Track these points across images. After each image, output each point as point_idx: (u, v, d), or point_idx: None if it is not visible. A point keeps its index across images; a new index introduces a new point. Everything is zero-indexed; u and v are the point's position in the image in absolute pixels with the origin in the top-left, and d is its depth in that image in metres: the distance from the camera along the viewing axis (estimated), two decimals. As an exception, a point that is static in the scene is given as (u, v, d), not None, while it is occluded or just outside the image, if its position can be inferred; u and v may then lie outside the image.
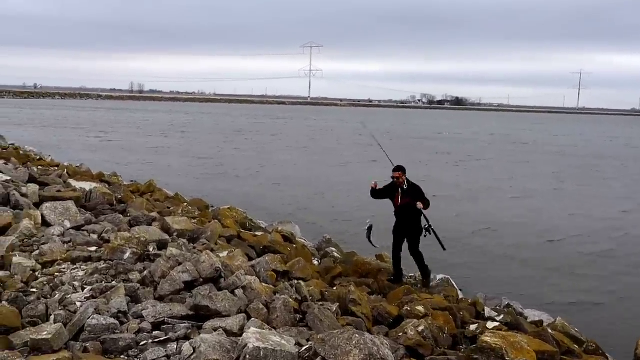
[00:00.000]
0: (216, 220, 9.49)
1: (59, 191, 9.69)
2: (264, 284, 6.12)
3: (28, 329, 4.68)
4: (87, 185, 11.08)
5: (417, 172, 22.55)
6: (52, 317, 4.86)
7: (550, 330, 6.60)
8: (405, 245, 8.57)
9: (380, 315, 6.44)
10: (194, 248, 7.49)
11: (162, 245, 7.13)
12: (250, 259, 7.82)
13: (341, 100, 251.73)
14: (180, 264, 5.87)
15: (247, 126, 58.66)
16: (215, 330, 4.79)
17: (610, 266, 11.45)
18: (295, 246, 9.48)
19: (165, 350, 4.50)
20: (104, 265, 6.08)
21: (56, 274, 5.98)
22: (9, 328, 4.66)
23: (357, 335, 4.28)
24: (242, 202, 14.90)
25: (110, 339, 4.54)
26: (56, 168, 15.00)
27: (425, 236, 8.34)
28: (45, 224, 7.91)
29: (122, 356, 4.48)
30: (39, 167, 14.55)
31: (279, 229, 10.81)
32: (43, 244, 6.82)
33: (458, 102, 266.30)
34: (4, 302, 5.08)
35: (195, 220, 9.54)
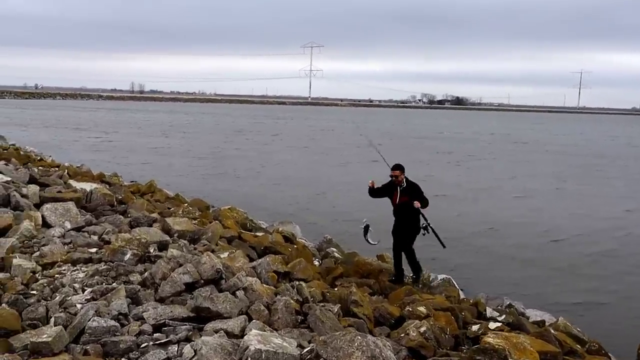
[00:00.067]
0: (217, 221, 9.47)
1: (59, 192, 9.67)
2: (265, 285, 6.09)
3: (28, 331, 4.66)
4: (87, 186, 11.05)
5: (419, 171, 22.51)
6: (52, 320, 4.84)
7: (552, 331, 6.58)
8: (412, 248, 8.55)
9: (382, 316, 6.41)
10: (195, 249, 7.47)
11: (162, 246, 7.11)
12: (251, 259, 7.80)
13: (341, 100, 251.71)
14: (181, 265, 5.84)
15: (247, 126, 58.65)
16: (216, 332, 4.77)
17: (612, 266, 11.42)
18: (296, 247, 9.46)
19: (166, 353, 4.48)
20: (104, 267, 6.05)
21: (56, 275, 5.96)
22: (8, 331, 4.64)
23: (359, 337, 4.26)
24: (242, 202, 14.88)
25: (111, 342, 4.52)
26: (57, 169, 14.99)
27: (424, 234, 8.32)
28: (46, 225, 7.89)
29: (122, 359, 4.45)
30: (40, 167, 14.53)
31: (280, 229, 10.79)
32: (43, 245, 6.80)
33: (458, 102, 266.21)
34: (3, 305, 5.05)
35: (196, 221, 9.52)
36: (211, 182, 20.50)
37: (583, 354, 6.46)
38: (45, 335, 4.42)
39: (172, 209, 11.02)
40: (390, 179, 8.50)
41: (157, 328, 4.87)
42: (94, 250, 6.81)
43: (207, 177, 21.99)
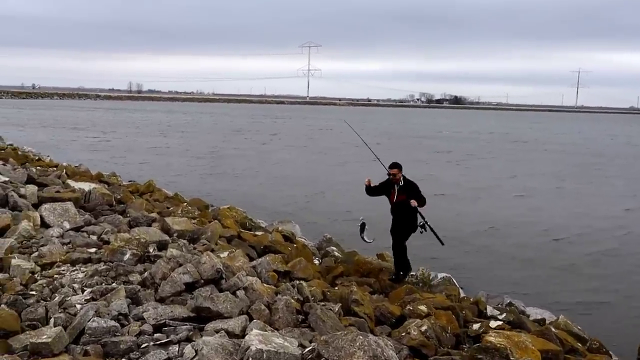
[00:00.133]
0: (216, 221, 9.45)
1: (57, 192, 9.63)
2: (265, 285, 6.07)
3: (27, 332, 4.63)
4: (86, 186, 11.02)
5: (418, 171, 22.50)
6: (51, 320, 4.81)
7: (553, 329, 6.57)
8: (405, 244, 8.53)
9: (383, 315, 6.39)
10: (194, 249, 7.45)
11: (162, 246, 7.08)
12: (251, 259, 7.78)
13: (340, 99, 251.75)
14: (180, 265, 5.82)
15: (246, 126, 58.61)
16: (217, 332, 4.75)
17: (612, 265, 11.41)
18: (295, 246, 9.45)
19: (167, 353, 4.45)
20: (103, 267, 6.02)
21: (55, 276, 5.93)
22: (8, 332, 4.61)
23: (360, 337, 4.24)
24: (241, 201, 14.86)
25: (111, 342, 4.49)
26: (55, 168, 14.95)
27: (421, 233, 8.30)
28: (44, 225, 7.85)
29: (123, 359, 4.43)
30: (38, 167, 14.49)
31: (279, 228, 10.77)
32: (42, 245, 6.77)
33: (457, 101, 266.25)
34: (2, 305, 5.02)
35: (195, 221, 9.49)
36: (210, 182, 20.47)
37: (584, 352, 6.46)
38: (44, 336, 4.39)
39: (171, 208, 11.00)
40: (387, 177, 8.48)
41: (158, 328, 4.84)
42: (93, 250, 6.78)
43: (205, 176, 21.96)
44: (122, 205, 10.22)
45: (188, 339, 4.67)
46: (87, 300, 5.21)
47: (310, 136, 46.22)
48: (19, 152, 19.25)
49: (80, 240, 7.10)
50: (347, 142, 39.64)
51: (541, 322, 7.53)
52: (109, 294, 5.28)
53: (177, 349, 4.51)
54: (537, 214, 16.23)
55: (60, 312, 4.94)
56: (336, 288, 7.29)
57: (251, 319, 5.12)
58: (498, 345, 5.17)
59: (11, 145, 22.65)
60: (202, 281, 5.61)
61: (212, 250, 7.30)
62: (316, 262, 9.23)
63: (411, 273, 8.88)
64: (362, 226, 8.72)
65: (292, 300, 5.63)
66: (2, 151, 18.13)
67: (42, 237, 7.13)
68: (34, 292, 5.44)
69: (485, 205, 17.40)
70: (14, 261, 6.07)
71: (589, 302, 9.27)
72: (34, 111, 72.36)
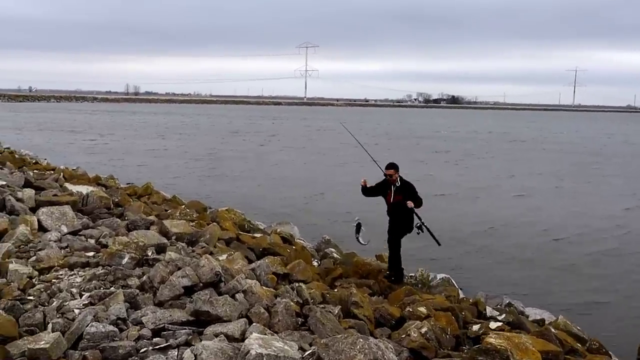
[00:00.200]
0: (215, 223, 9.42)
1: (55, 195, 9.60)
2: (264, 288, 6.05)
3: (25, 338, 4.59)
4: (83, 189, 10.99)
5: (417, 171, 22.55)
6: (49, 326, 4.78)
7: (552, 329, 6.55)
8: (404, 245, 8.51)
9: (382, 317, 6.38)
10: (193, 251, 7.42)
11: (160, 249, 7.06)
12: (250, 261, 7.76)
13: (337, 100, 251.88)
14: (179, 268, 5.79)
15: (243, 127, 58.58)
16: (216, 335, 4.72)
17: (611, 264, 11.41)
18: (294, 247, 9.43)
19: (166, 357, 4.42)
20: (102, 271, 6.00)
21: (53, 280, 5.90)
22: (5, 337, 4.57)
23: (361, 340, 4.22)
24: (239, 203, 14.85)
25: (110, 347, 4.46)
26: (52, 172, 14.89)
27: (418, 234, 8.28)
28: (42, 229, 7.82)
29: (121, 364, 4.40)
30: (35, 171, 14.45)
31: (278, 230, 10.75)
32: (40, 250, 6.74)
33: (454, 101, 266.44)
34: (0, 311, 4.99)
35: (194, 223, 9.47)
36: (208, 184, 20.44)
37: (584, 353, 6.44)
38: (43, 342, 4.36)
39: (170, 211, 10.97)
40: (384, 177, 8.46)
41: (157, 332, 4.82)
42: (91, 254, 6.76)
43: (204, 178, 21.92)
44: (120, 208, 10.20)
45: (187, 343, 4.65)
46: (86, 305, 5.19)
47: (308, 137, 46.21)
48: (16, 156, 19.20)
49: (78, 244, 7.07)
50: (345, 142, 39.65)
51: (540, 322, 7.52)
52: (107, 299, 5.25)
53: (176, 353, 4.48)
54: (536, 213, 16.24)
55: (58, 317, 4.91)
56: (335, 290, 7.27)
57: (250, 322, 5.10)
58: (498, 346, 5.15)
59: (8, 148, 22.60)
60: (201, 284, 5.59)
61: (211, 253, 7.28)
62: (315, 263, 9.20)
63: (410, 274, 8.87)
64: (358, 226, 8.65)
65: (292, 303, 5.61)
66: (-1, 155, 18.08)
67: (40, 242, 7.10)
68: (31, 297, 5.41)
69: (484, 205, 17.40)
70: (11, 266, 6.04)
71: (588, 302, 9.26)
72: (30, 114, 72.21)
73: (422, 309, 6.47)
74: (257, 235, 10.05)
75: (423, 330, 5.72)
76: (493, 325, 6.61)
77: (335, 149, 35.07)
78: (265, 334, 4.71)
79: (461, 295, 8.38)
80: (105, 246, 7.00)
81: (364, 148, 9.53)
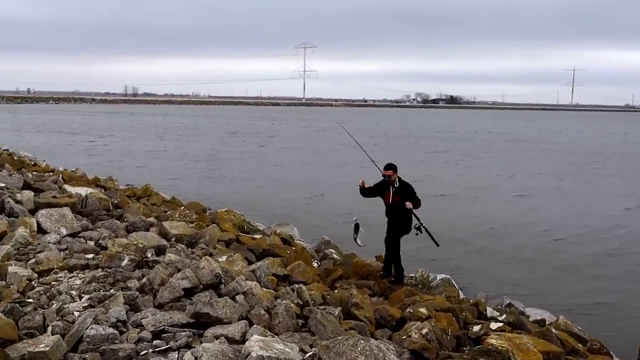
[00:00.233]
0: (214, 224, 9.40)
1: (54, 197, 9.57)
2: (264, 289, 6.03)
3: (25, 341, 4.57)
4: (82, 191, 10.96)
5: (417, 171, 22.56)
6: (49, 328, 4.76)
7: (553, 330, 6.54)
8: (403, 245, 8.50)
9: (383, 318, 6.36)
10: (193, 253, 7.40)
11: (160, 251, 7.04)
12: (250, 262, 7.73)
13: (336, 100, 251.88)
14: (179, 270, 5.78)
15: (242, 128, 58.55)
16: (216, 337, 4.70)
17: (612, 265, 11.40)
18: (294, 249, 9.42)
19: (166, 360, 4.41)
20: (101, 273, 5.97)
21: (53, 283, 5.87)
22: (5, 340, 4.54)
23: (362, 342, 4.20)
24: (239, 204, 14.83)
25: (110, 350, 4.44)
26: (51, 173, 14.86)
27: (417, 234, 8.27)
28: (41, 231, 7.80)
29: (122, 367, 4.38)
30: (34, 172, 14.42)
31: (278, 231, 10.73)
32: (39, 252, 6.71)
33: (452, 101, 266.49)
34: (-1, 314, 4.97)
35: (193, 224, 9.45)
36: (207, 185, 20.42)
37: (585, 353, 6.44)
38: (42, 345, 4.34)
39: (169, 212, 10.95)
40: (382, 178, 8.45)
41: (157, 335, 4.80)
42: (90, 256, 6.73)
43: (203, 179, 21.90)
44: (120, 210, 10.17)
45: (187, 346, 4.63)
46: (85, 307, 5.16)
47: (307, 138, 46.19)
48: (15, 158, 19.17)
49: (77, 246, 7.05)
50: (344, 143, 39.66)
51: (541, 322, 7.51)
52: (107, 301, 5.23)
53: (176, 355, 4.46)
54: (536, 213, 16.22)
55: (58, 320, 4.89)
56: (336, 291, 7.25)
57: (251, 324, 5.08)
58: (500, 347, 5.14)
59: (7, 150, 22.56)
60: (201, 286, 5.57)
61: (211, 255, 7.26)
62: (315, 264, 9.19)
63: (410, 275, 8.86)
64: (356, 227, 8.63)
65: (292, 305, 5.59)
66: (-2, 156, 18.04)
67: (39, 244, 7.07)
68: (31, 300, 5.38)
69: (484, 206, 17.39)
70: (10, 268, 6.01)
71: (589, 302, 9.24)
72: (29, 115, 72.17)
73: (423, 310, 6.46)
74: (257, 236, 10.03)
75: (424, 331, 5.71)
76: (494, 325, 6.60)
77: (334, 149, 35.05)
78: (266, 336, 4.69)
79: (461, 296, 8.37)
80: (105, 248, 6.98)
81: (363, 148, 9.52)
